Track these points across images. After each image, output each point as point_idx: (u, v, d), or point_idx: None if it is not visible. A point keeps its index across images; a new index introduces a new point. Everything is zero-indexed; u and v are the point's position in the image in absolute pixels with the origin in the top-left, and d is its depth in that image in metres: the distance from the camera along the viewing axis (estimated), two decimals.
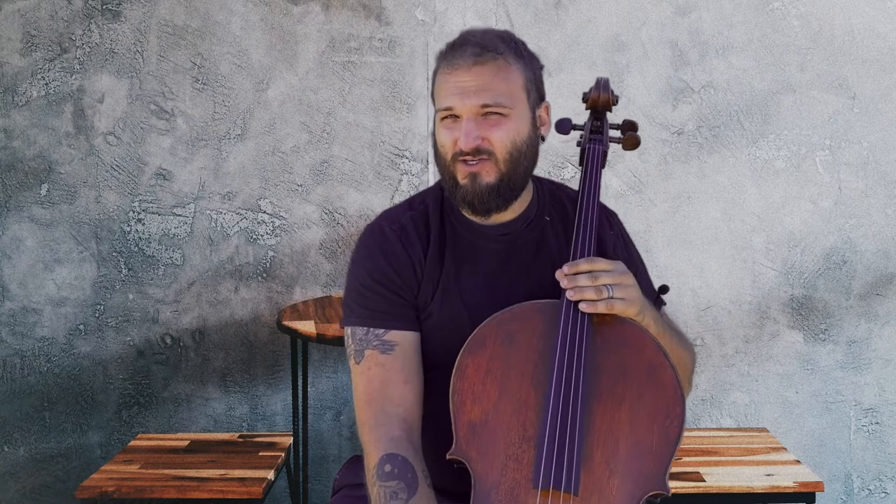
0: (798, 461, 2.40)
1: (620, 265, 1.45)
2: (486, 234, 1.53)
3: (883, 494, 3.06)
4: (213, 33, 2.89)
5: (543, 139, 1.54)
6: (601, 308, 1.40)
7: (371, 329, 1.48)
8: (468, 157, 1.44)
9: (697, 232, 2.98)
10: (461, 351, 1.42)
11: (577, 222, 1.50)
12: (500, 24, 2.90)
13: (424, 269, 1.51)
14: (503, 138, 1.45)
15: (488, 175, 1.45)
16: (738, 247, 2.98)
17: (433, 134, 1.52)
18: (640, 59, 2.92)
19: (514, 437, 1.36)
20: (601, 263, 1.43)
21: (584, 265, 1.42)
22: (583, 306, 1.40)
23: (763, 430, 2.65)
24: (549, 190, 1.63)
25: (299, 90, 2.92)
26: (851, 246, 2.98)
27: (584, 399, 1.35)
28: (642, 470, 1.35)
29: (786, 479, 2.29)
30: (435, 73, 1.51)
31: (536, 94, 1.51)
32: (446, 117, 1.46)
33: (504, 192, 1.47)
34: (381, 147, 2.94)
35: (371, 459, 1.39)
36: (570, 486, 1.31)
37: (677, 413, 1.38)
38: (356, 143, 2.94)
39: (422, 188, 2.94)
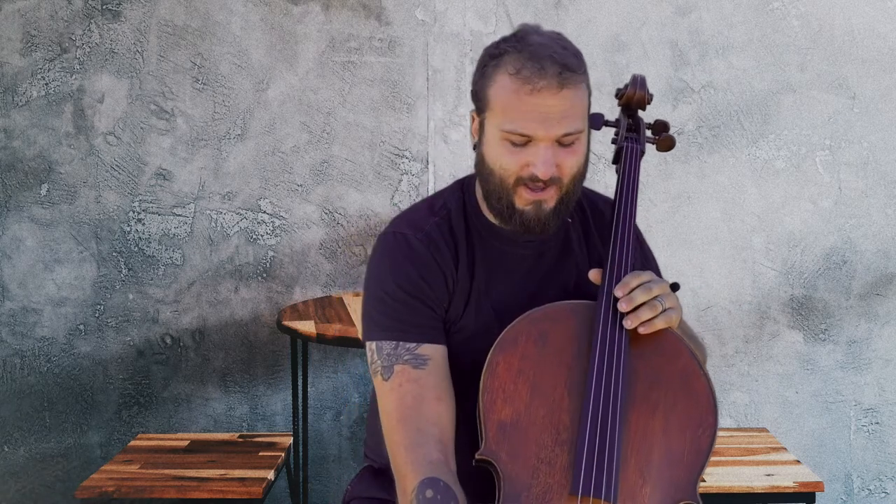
0: (798, 461, 2.40)
1: (652, 274, 1.41)
2: (514, 241, 1.48)
3: (883, 494, 3.06)
4: (213, 33, 2.89)
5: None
6: (660, 324, 1.36)
7: (401, 343, 1.39)
8: (538, 184, 1.36)
9: (697, 232, 2.98)
10: (492, 348, 1.37)
11: (616, 224, 1.44)
12: (500, 25, 2.90)
13: (457, 282, 1.45)
14: (573, 165, 1.38)
15: (550, 200, 1.39)
16: (738, 247, 2.98)
17: (479, 146, 1.43)
18: (640, 59, 2.92)
19: (547, 440, 1.33)
20: (645, 275, 1.38)
21: (633, 281, 1.37)
22: (642, 329, 1.35)
23: (763, 430, 2.65)
24: None
25: (299, 90, 2.92)
26: (851, 246, 2.98)
27: (623, 405, 1.33)
28: (673, 479, 1.33)
29: (786, 479, 2.29)
30: (489, 75, 1.39)
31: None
32: (514, 139, 1.36)
33: (562, 212, 1.41)
34: (381, 147, 2.94)
35: (408, 483, 1.31)
36: (609, 495, 1.28)
37: (710, 423, 1.36)
38: (356, 143, 2.94)
39: (422, 188, 2.94)
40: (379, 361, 1.41)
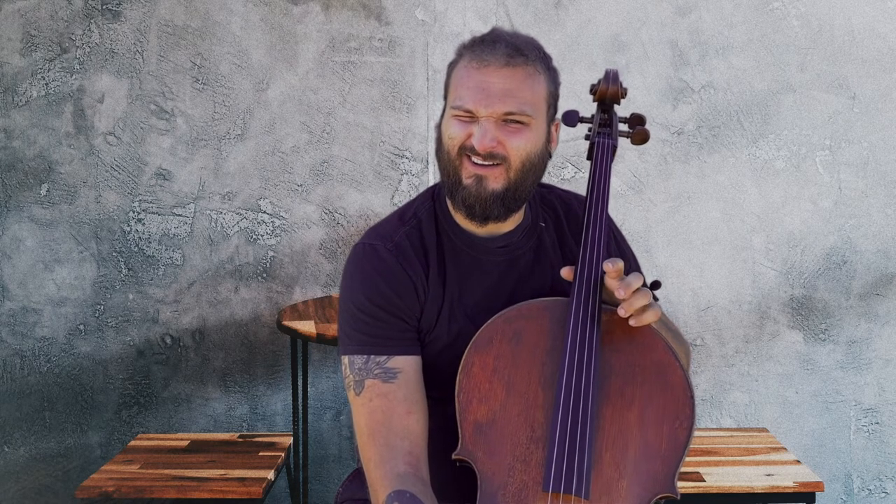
0: (798, 461, 2.40)
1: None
2: (487, 247, 1.47)
3: (883, 494, 3.06)
4: (213, 33, 2.89)
5: (550, 156, 1.48)
6: (650, 317, 1.33)
7: (371, 357, 1.40)
8: (478, 158, 1.38)
9: (697, 232, 2.98)
10: (467, 349, 1.38)
11: (587, 219, 1.43)
12: (500, 24, 2.89)
13: (428, 291, 1.44)
14: (520, 147, 1.39)
15: (496, 181, 1.39)
16: (738, 247, 2.98)
17: (438, 126, 1.45)
18: (640, 59, 2.92)
19: (522, 438, 1.33)
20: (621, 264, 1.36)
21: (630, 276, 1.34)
22: (633, 321, 1.32)
23: (763, 430, 2.65)
24: (540, 194, 1.57)
25: (299, 90, 2.92)
26: (851, 246, 2.98)
27: (595, 400, 1.33)
28: (651, 472, 1.33)
29: (786, 479, 2.29)
30: (454, 64, 1.44)
31: (553, 110, 1.47)
32: (462, 115, 1.40)
33: (508, 202, 1.41)
34: (381, 147, 2.94)
35: (378, 497, 1.33)
36: (580, 490, 1.28)
37: (686, 415, 1.37)
38: (356, 143, 2.94)
39: (422, 188, 2.94)
40: (351, 376, 1.42)
